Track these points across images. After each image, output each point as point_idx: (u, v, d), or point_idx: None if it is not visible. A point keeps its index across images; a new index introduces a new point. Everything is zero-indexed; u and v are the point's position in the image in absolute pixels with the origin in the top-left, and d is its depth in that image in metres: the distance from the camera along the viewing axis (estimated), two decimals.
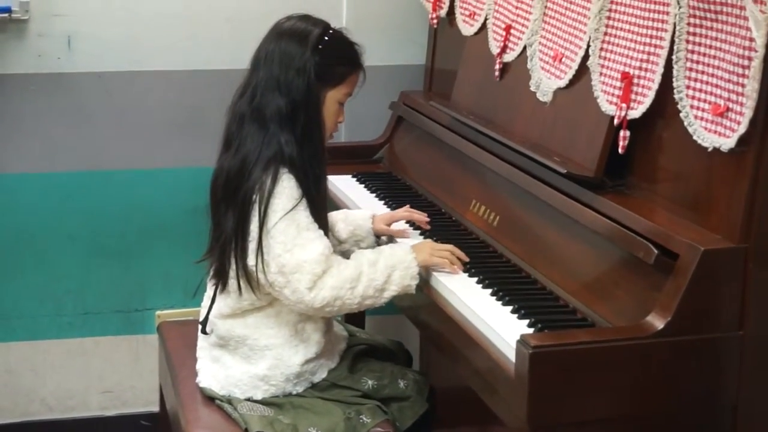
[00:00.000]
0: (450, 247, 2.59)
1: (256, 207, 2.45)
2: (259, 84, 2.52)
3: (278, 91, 2.50)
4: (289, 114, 2.49)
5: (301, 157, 2.48)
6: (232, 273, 2.51)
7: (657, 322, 2.08)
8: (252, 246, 2.46)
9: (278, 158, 2.47)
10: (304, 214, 2.47)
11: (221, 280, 2.54)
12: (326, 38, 2.55)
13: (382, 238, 2.81)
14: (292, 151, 2.47)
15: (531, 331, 2.23)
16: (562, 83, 2.67)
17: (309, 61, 2.50)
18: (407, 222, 2.85)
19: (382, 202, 3.09)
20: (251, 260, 2.46)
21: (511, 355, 2.10)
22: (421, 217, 2.79)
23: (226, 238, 2.49)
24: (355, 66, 2.60)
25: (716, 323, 2.12)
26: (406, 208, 2.84)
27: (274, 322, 2.54)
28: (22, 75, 3.37)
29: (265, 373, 2.53)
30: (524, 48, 2.86)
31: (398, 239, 2.77)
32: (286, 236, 2.44)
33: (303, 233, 2.46)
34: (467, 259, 2.58)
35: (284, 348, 2.53)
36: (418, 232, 2.81)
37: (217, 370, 2.60)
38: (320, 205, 2.53)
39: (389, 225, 2.80)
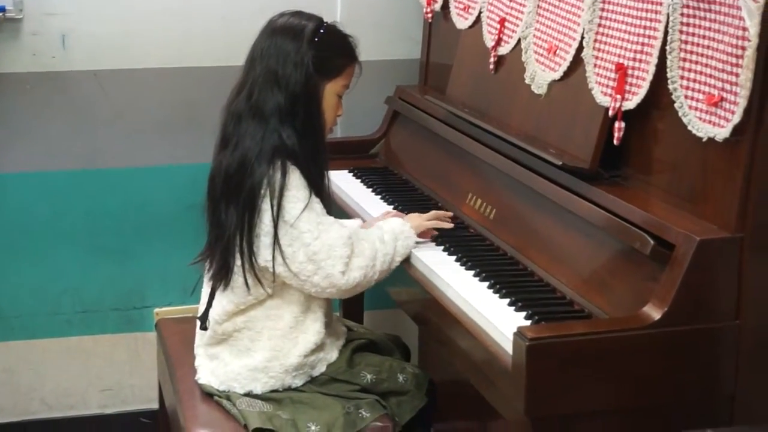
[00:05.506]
0: (433, 212, 2.76)
1: (267, 201, 2.46)
2: (256, 81, 2.52)
3: (277, 87, 2.50)
4: (288, 109, 2.50)
5: (303, 151, 2.49)
6: (237, 269, 2.51)
7: (654, 312, 2.08)
8: (266, 240, 2.47)
9: (282, 152, 2.48)
10: (316, 200, 2.50)
11: (225, 278, 2.54)
12: (321, 31, 2.56)
13: None
14: (294, 143, 2.48)
15: (528, 323, 2.23)
16: (557, 75, 2.67)
17: (306, 55, 2.51)
18: None
19: (379, 196, 3.09)
20: (267, 255, 2.47)
21: (509, 348, 2.10)
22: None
23: (230, 235, 2.49)
24: (351, 57, 2.61)
25: (713, 313, 2.12)
26: (395, 213, 2.85)
27: (276, 314, 2.55)
28: (17, 74, 3.36)
29: (264, 364, 2.54)
30: (519, 41, 2.86)
31: None
32: (311, 224, 2.46)
33: (322, 218, 2.50)
34: (451, 214, 2.76)
35: (284, 339, 2.54)
36: None
37: (215, 367, 2.60)
38: (323, 199, 2.55)
39: None
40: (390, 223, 2.65)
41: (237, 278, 2.52)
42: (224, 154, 2.53)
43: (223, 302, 2.58)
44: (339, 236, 2.49)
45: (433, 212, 2.75)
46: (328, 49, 2.56)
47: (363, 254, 2.52)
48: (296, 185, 2.48)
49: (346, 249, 2.49)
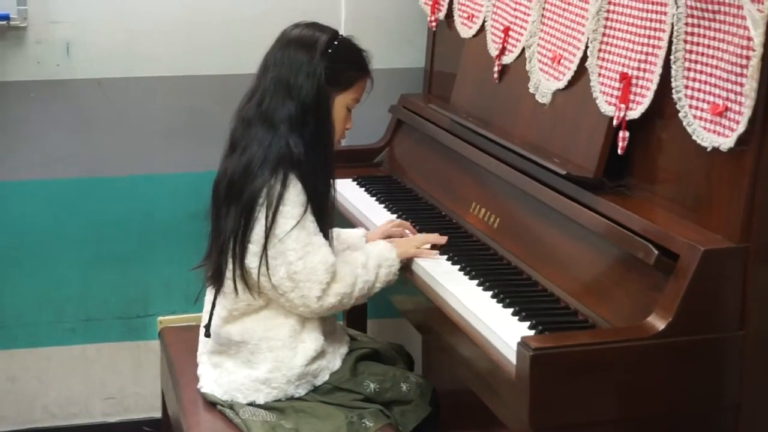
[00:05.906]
0: (424, 237, 2.73)
1: (263, 211, 2.45)
2: (267, 88, 2.53)
3: (288, 96, 2.51)
4: (298, 118, 2.50)
5: (309, 161, 2.49)
6: (229, 274, 2.51)
7: (658, 322, 2.07)
8: (254, 249, 2.47)
9: (287, 161, 2.47)
10: (310, 219, 2.49)
11: (218, 282, 2.54)
12: (335, 43, 2.56)
13: None
14: (300, 153, 2.48)
15: (532, 333, 2.22)
16: (561, 84, 2.66)
17: (318, 65, 2.52)
18: None
19: (383, 205, 3.09)
20: (253, 263, 2.47)
21: (512, 357, 2.10)
22: (413, 229, 2.82)
23: (225, 239, 2.50)
24: (363, 71, 2.62)
25: (717, 323, 2.12)
26: (398, 222, 2.85)
27: (272, 324, 2.54)
28: (21, 82, 3.37)
29: (266, 376, 2.53)
30: (523, 50, 2.86)
31: None
32: (298, 243, 2.46)
33: (312, 239, 2.48)
34: (444, 241, 2.69)
35: (284, 350, 2.53)
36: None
37: (218, 376, 2.60)
38: (327, 209, 2.55)
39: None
40: (377, 247, 2.64)
41: (228, 282, 2.52)
42: (231, 160, 2.54)
43: (218, 309, 2.58)
44: (323, 261, 2.48)
45: (423, 237, 2.73)
46: (341, 61, 2.56)
47: (343, 280, 2.52)
48: (293, 201, 2.47)
49: (326, 275, 2.48)
